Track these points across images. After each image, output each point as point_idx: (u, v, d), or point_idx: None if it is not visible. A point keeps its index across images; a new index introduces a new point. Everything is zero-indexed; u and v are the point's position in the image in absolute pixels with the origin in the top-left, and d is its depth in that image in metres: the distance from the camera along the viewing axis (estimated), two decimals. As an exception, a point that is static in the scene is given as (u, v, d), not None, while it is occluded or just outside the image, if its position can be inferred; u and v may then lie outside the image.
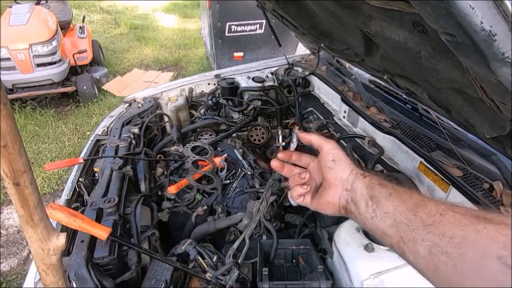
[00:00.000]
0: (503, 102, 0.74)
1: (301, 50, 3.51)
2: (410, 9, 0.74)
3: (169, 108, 2.09)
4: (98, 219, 1.14)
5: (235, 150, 1.92)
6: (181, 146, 1.96)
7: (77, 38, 5.18)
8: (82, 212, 1.13)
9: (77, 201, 1.42)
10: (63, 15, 5.26)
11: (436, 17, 0.63)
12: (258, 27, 4.52)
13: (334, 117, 1.88)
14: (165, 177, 1.74)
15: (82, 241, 1.05)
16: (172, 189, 1.56)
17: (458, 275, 0.39)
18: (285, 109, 2.22)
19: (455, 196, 1.12)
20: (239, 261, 1.22)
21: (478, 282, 0.37)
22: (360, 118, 1.65)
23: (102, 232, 0.96)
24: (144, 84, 5.36)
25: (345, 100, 1.78)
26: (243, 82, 2.14)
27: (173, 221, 1.62)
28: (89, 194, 1.41)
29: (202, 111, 2.25)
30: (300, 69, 2.30)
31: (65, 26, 5.24)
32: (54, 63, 4.31)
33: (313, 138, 0.67)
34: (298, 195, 0.68)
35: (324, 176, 0.64)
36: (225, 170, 1.74)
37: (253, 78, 2.16)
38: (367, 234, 1.09)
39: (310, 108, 2.13)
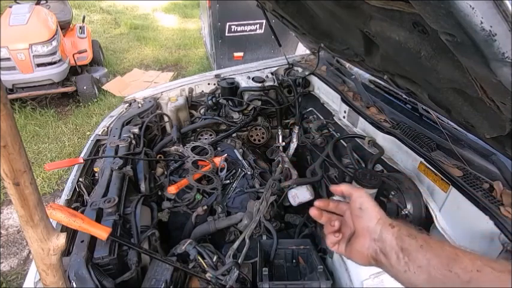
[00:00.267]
0: (503, 102, 0.74)
1: (301, 50, 3.51)
2: (411, 9, 0.74)
3: (169, 108, 2.09)
4: (98, 219, 1.14)
5: (235, 150, 1.92)
6: (181, 146, 1.96)
7: (77, 38, 5.18)
8: (82, 212, 1.13)
9: (77, 201, 1.42)
10: (63, 15, 5.25)
11: (436, 17, 0.63)
12: (258, 27, 4.52)
13: (334, 117, 1.88)
14: (165, 177, 1.74)
15: (82, 241, 1.05)
16: (172, 189, 1.56)
17: None
18: (285, 109, 2.22)
19: (455, 196, 1.12)
20: (239, 261, 1.22)
21: None
22: (360, 118, 1.65)
23: (102, 232, 0.96)
24: (144, 84, 5.35)
25: (345, 100, 1.78)
26: (243, 82, 2.14)
27: (173, 221, 1.62)
28: (89, 194, 1.41)
29: (202, 111, 2.25)
30: (300, 69, 2.30)
31: (65, 26, 5.24)
32: (54, 63, 4.31)
33: (343, 188, 0.68)
34: (331, 243, 0.67)
35: (354, 224, 0.64)
36: (225, 170, 1.74)
37: (253, 78, 2.16)
38: None
39: (310, 108, 2.13)
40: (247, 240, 1.33)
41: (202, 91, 2.29)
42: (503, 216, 0.97)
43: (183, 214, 1.63)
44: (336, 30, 1.52)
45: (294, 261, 1.29)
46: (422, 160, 1.27)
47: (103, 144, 1.73)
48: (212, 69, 4.59)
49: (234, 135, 2.14)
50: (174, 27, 8.45)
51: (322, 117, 1.98)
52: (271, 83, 2.14)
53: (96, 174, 1.57)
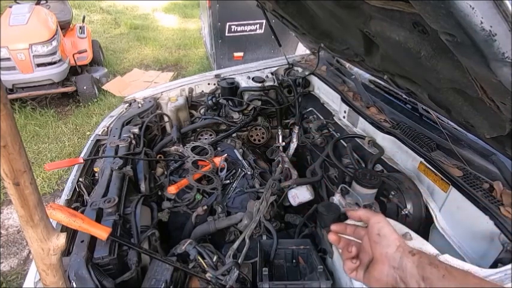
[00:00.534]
0: (503, 102, 0.74)
1: (301, 50, 3.51)
2: (411, 9, 0.74)
3: (169, 108, 2.09)
4: (98, 219, 1.14)
5: (235, 150, 1.92)
6: (181, 146, 1.96)
7: (77, 38, 5.18)
8: (82, 212, 1.13)
9: (77, 201, 1.42)
10: (63, 15, 5.25)
11: (436, 17, 0.63)
12: (258, 27, 4.52)
13: (334, 117, 1.88)
14: (165, 177, 1.74)
15: (82, 241, 1.05)
16: (172, 189, 1.56)
17: None
18: (285, 109, 2.22)
19: (455, 196, 1.12)
20: (239, 261, 1.22)
21: None
22: (360, 118, 1.65)
23: (102, 232, 0.96)
24: (144, 84, 5.36)
25: (345, 100, 1.78)
26: (243, 82, 2.14)
27: (173, 221, 1.62)
28: (89, 194, 1.41)
29: (202, 111, 2.25)
30: (300, 69, 2.30)
31: (65, 26, 5.24)
32: (54, 63, 4.31)
33: (361, 213, 0.67)
34: (349, 270, 0.66)
35: (372, 250, 0.62)
36: (225, 170, 1.74)
37: (253, 78, 2.16)
38: None
39: (310, 108, 2.13)
40: (247, 240, 1.33)
41: (202, 91, 2.29)
42: (503, 216, 0.97)
43: (183, 214, 1.62)
44: (336, 30, 1.52)
45: (294, 261, 1.29)
46: (422, 160, 1.27)
47: (103, 144, 1.73)
48: (212, 69, 4.59)
49: (234, 135, 2.14)
50: (174, 27, 8.45)
51: (322, 117, 1.98)
52: (271, 83, 2.14)
53: (96, 174, 1.57)
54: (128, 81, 5.54)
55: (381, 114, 1.60)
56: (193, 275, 1.14)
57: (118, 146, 1.61)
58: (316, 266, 1.13)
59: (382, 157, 1.46)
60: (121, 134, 1.71)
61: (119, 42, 7.41)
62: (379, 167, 1.49)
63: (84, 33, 5.28)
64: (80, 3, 9.03)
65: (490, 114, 0.87)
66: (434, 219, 1.20)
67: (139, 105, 2.04)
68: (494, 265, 0.93)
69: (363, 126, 1.66)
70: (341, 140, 1.71)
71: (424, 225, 1.24)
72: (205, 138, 2.11)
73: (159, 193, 1.66)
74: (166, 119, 2.10)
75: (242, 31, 4.52)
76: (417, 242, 0.93)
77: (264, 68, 2.33)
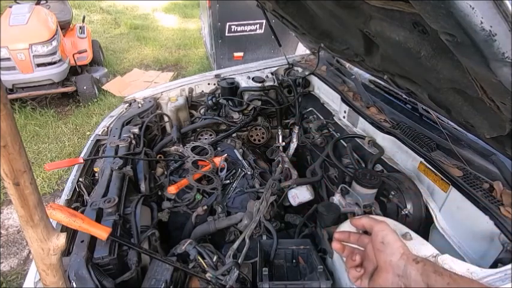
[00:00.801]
0: (503, 102, 0.74)
1: (301, 50, 3.51)
2: (411, 9, 0.74)
3: (169, 108, 2.09)
4: (98, 219, 1.14)
5: (235, 150, 1.92)
6: (181, 146, 1.96)
7: (77, 38, 5.18)
8: (82, 212, 1.13)
9: (77, 201, 1.42)
10: (63, 15, 5.25)
11: (436, 17, 0.63)
12: (258, 27, 4.52)
13: (334, 117, 1.88)
14: (165, 177, 1.74)
15: (82, 241, 1.05)
16: (172, 189, 1.56)
17: None
18: (285, 109, 2.22)
19: (455, 196, 1.12)
20: (239, 261, 1.22)
21: None
22: (360, 118, 1.65)
23: (102, 232, 0.96)
24: (144, 84, 5.36)
25: (345, 100, 1.78)
26: (243, 82, 2.14)
27: (173, 221, 1.62)
28: (89, 194, 1.41)
29: (202, 111, 2.25)
30: (300, 69, 2.30)
31: (65, 26, 5.24)
32: (54, 63, 4.31)
33: (364, 222, 0.66)
34: (353, 278, 0.65)
35: (376, 258, 0.62)
36: (225, 170, 1.74)
37: (253, 78, 2.16)
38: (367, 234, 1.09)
39: (310, 108, 2.13)
40: (247, 240, 1.33)
41: (202, 91, 2.29)
42: (503, 216, 0.97)
43: (183, 214, 1.62)
44: (336, 30, 1.52)
45: (294, 261, 1.29)
46: (422, 160, 1.27)
47: (103, 144, 1.73)
48: (212, 69, 4.59)
49: (234, 135, 2.14)
50: (174, 27, 8.45)
51: (322, 117, 1.98)
52: (271, 83, 2.14)
53: (96, 174, 1.57)
54: (128, 81, 5.54)
55: (381, 114, 1.60)
56: (193, 275, 1.14)
57: (118, 146, 1.61)
58: (316, 266, 1.13)
59: (382, 157, 1.46)
60: (121, 134, 1.71)
61: (119, 42, 7.41)
62: (379, 167, 1.49)
63: (84, 33, 5.28)
64: (80, 3, 9.03)
65: (490, 114, 0.87)
66: (434, 219, 1.20)
67: (139, 105, 2.04)
68: (494, 265, 0.93)
69: (363, 126, 1.66)
70: (341, 140, 1.71)
71: (424, 225, 1.24)
72: (205, 138, 2.11)
73: (159, 193, 1.66)
74: (166, 119, 2.10)
75: (242, 31, 4.52)
76: (417, 242, 0.93)
77: (264, 68, 2.33)
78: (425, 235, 1.23)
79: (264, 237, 1.45)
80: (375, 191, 1.26)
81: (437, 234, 1.19)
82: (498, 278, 0.84)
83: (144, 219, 1.35)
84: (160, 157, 1.87)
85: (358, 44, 1.31)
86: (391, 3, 0.80)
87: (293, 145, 2.09)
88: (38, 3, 4.96)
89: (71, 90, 4.59)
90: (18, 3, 4.96)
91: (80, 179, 1.47)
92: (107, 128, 1.84)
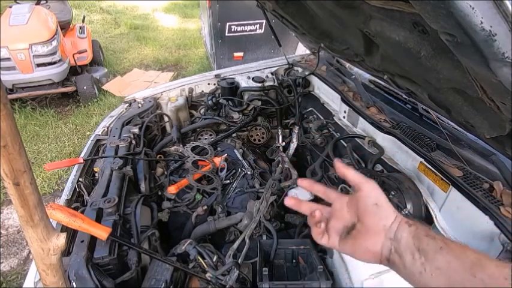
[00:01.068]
0: (503, 102, 0.74)
1: (301, 50, 3.51)
2: (411, 9, 0.74)
3: (169, 108, 2.09)
4: (98, 219, 1.14)
5: (235, 150, 1.92)
6: (181, 146, 1.96)
7: (77, 38, 5.18)
8: (82, 212, 1.13)
9: (77, 201, 1.42)
10: (63, 15, 5.25)
11: (436, 17, 0.63)
12: (258, 27, 4.52)
13: (334, 117, 1.88)
14: (165, 177, 1.74)
15: (82, 241, 1.05)
16: (172, 189, 1.56)
17: None
18: (285, 109, 2.22)
19: (455, 196, 1.12)
20: (239, 261, 1.22)
21: None
22: (360, 118, 1.65)
23: (102, 232, 0.96)
24: (144, 84, 5.35)
25: (345, 100, 1.78)
26: (243, 82, 2.14)
27: (173, 221, 1.62)
28: (89, 194, 1.41)
29: (202, 111, 2.25)
30: (300, 69, 2.30)
31: (65, 26, 5.24)
32: (54, 63, 4.31)
33: (349, 174, 0.59)
34: (318, 235, 0.60)
35: (362, 219, 0.56)
36: (225, 170, 1.74)
37: (253, 78, 2.16)
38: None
39: (310, 108, 2.13)
40: (247, 240, 1.33)
41: (202, 91, 2.29)
42: (503, 216, 0.97)
43: (183, 214, 1.62)
44: (336, 30, 1.52)
45: (294, 261, 1.29)
46: (422, 160, 1.27)
47: (103, 144, 1.73)
48: (212, 69, 4.59)
49: (234, 135, 2.14)
50: (174, 27, 8.44)
51: (322, 117, 1.98)
52: (271, 83, 2.14)
53: (96, 174, 1.57)
54: (128, 81, 5.53)
55: (381, 114, 1.60)
56: (193, 275, 1.14)
57: (118, 146, 1.61)
58: (316, 266, 1.13)
59: (382, 157, 1.46)
60: (121, 134, 1.71)
61: (119, 42, 7.40)
62: (379, 167, 1.49)
63: (84, 33, 5.28)
64: (80, 3, 9.03)
65: (490, 114, 0.87)
66: (434, 219, 1.20)
67: (139, 105, 2.04)
68: (494, 265, 0.93)
69: (363, 126, 1.66)
70: (341, 140, 1.71)
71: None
72: (205, 138, 2.11)
73: (159, 193, 1.66)
74: (166, 119, 2.10)
75: (242, 31, 4.52)
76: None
77: (264, 68, 2.33)
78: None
79: (264, 237, 1.45)
80: (375, 191, 1.25)
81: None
82: (498, 278, 0.84)
83: (144, 219, 1.35)
84: (160, 157, 1.87)
85: (358, 44, 1.31)
86: (391, 3, 0.80)
87: (293, 145, 2.09)
88: (38, 3, 4.96)
89: (71, 90, 4.59)
90: (18, 3, 4.96)
91: (80, 179, 1.47)
92: (107, 128, 1.84)
